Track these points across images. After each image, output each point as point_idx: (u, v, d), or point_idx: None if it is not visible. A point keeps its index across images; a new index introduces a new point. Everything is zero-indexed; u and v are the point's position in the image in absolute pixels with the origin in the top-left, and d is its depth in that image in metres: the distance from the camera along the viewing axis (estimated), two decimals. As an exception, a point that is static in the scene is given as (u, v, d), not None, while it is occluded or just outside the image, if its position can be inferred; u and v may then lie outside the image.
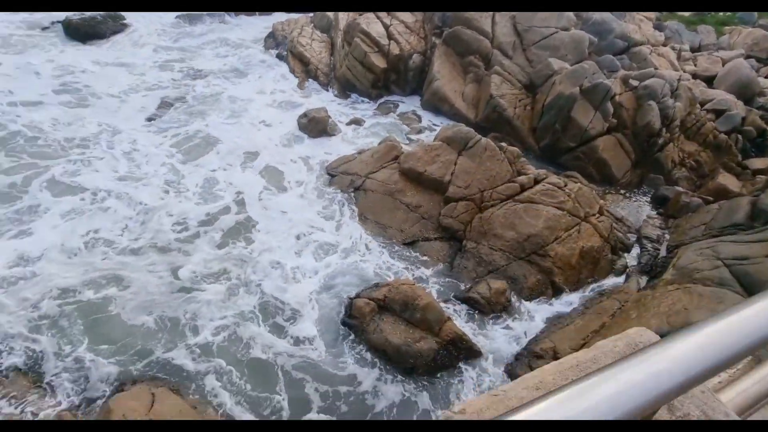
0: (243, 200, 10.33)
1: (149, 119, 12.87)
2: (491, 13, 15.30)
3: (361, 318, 7.88)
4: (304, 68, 16.30)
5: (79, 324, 7.29)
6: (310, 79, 16.05)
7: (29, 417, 5.95)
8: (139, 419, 5.81)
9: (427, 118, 14.66)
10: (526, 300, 8.94)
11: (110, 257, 8.51)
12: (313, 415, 6.71)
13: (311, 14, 18.43)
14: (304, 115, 13.25)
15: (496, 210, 9.86)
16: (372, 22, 15.62)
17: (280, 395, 6.88)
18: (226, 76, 15.58)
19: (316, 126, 12.95)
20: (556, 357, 7.53)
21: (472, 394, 7.23)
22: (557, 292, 9.17)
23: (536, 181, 10.17)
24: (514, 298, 8.95)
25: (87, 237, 8.82)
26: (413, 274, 9.11)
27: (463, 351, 7.70)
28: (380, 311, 8.00)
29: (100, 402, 6.23)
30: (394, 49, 15.25)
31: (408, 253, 9.59)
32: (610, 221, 10.39)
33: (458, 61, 15.25)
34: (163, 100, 13.72)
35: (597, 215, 9.96)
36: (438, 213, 10.17)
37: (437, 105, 14.82)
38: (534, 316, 8.71)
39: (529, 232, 9.43)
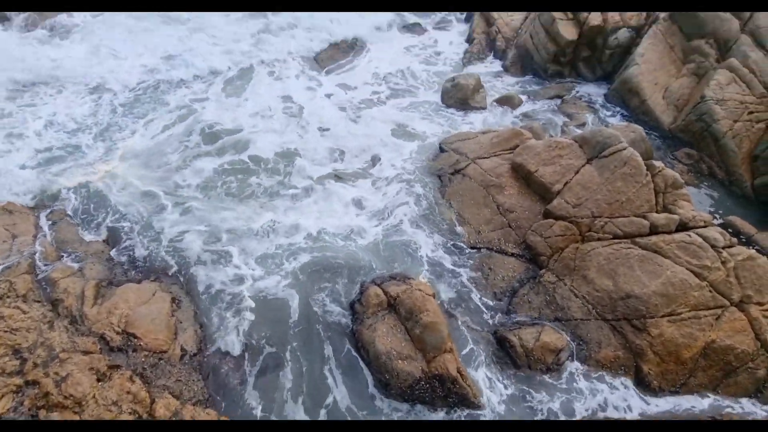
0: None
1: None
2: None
3: (366, 307, 7.06)
4: (486, 29, 14.70)
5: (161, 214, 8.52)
6: (489, 47, 14.42)
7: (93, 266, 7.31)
8: (127, 310, 6.58)
9: (604, 112, 11.63)
10: (587, 370, 6.57)
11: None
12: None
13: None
14: (452, 79, 12.06)
15: (602, 246, 7.30)
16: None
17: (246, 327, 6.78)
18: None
19: (457, 93, 11.68)
20: (563, 464, 5.39)
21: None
22: (639, 384, 6.45)
23: (682, 227, 7.07)
24: (571, 365, 6.69)
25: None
26: (457, 285, 7.63)
27: (452, 394, 6.21)
28: (388, 308, 7.02)
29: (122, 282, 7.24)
30: (595, 20, 12.29)
31: (469, 257, 8.03)
32: (799, 324, 6.58)
33: (680, 45, 11.41)
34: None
35: (765, 306, 6.41)
36: (528, 226, 8.13)
37: (625, 97, 11.57)
38: (584, 396, 6.36)
39: (632, 290, 6.72)
